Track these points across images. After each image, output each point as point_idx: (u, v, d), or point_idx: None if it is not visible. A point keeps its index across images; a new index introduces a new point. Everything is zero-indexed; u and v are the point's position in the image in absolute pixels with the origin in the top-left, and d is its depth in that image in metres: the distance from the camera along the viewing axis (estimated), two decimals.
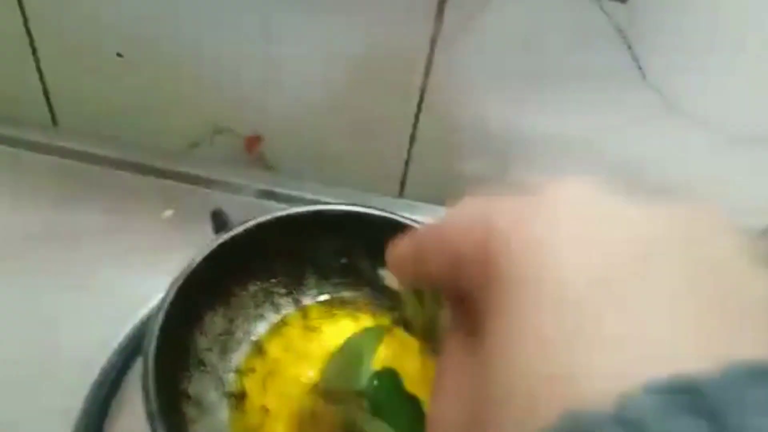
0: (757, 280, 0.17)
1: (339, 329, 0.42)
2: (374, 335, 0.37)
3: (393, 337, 0.39)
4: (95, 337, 0.45)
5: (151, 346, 0.33)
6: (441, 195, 0.61)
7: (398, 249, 0.24)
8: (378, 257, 0.42)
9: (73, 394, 0.42)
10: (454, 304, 0.23)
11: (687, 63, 0.50)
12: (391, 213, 0.42)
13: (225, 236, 0.38)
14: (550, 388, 0.15)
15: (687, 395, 0.13)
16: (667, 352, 0.15)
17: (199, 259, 0.36)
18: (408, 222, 0.42)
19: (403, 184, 0.62)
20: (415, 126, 0.56)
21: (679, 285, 0.16)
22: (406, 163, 0.60)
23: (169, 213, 0.52)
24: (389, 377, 0.38)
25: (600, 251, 0.17)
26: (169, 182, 0.55)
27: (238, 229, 0.38)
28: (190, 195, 0.54)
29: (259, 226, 0.39)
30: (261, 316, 0.41)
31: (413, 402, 0.37)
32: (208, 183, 0.54)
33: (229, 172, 0.55)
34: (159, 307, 0.34)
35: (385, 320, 0.42)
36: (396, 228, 0.41)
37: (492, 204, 0.20)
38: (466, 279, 0.20)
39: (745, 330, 0.15)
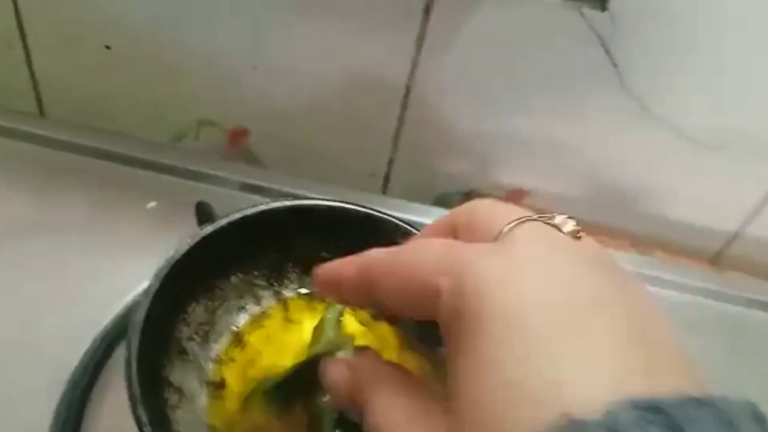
0: (671, 331, 0.22)
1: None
2: (335, 312, 0.39)
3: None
4: (78, 324, 0.45)
5: (135, 333, 0.33)
6: (423, 194, 0.62)
7: (334, 269, 0.29)
8: (356, 250, 0.43)
9: (57, 380, 0.43)
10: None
11: (663, 68, 0.51)
12: (372, 209, 0.43)
13: (210, 228, 0.38)
14: (534, 405, 0.19)
15: (659, 413, 0.18)
16: (622, 376, 0.19)
17: (184, 249, 0.37)
18: (387, 218, 0.43)
19: (386, 182, 0.63)
20: (398, 126, 0.58)
21: (621, 328, 0.21)
22: (390, 162, 0.61)
23: (153, 204, 0.52)
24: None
25: (558, 296, 0.21)
26: (153, 174, 0.55)
27: (223, 222, 0.39)
28: (175, 187, 0.54)
29: (244, 219, 0.39)
30: (242, 308, 0.42)
31: None
32: (192, 175, 0.55)
33: (213, 165, 0.56)
34: (144, 296, 0.35)
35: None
36: (376, 224, 0.43)
37: (461, 248, 0.24)
38: (430, 308, 0.23)
39: (672, 364, 0.21)
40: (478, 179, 0.62)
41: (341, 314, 0.41)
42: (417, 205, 0.59)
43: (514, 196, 0.62)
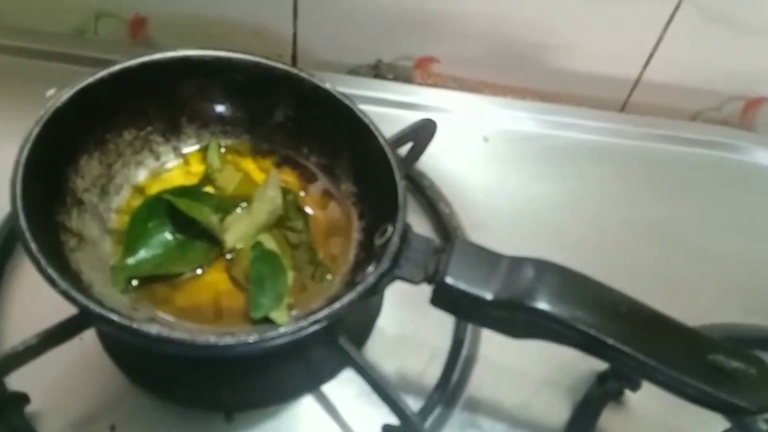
0: None
1: None
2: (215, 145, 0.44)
3: None
4: None
5: (19, 171, 0.34)
6: (333, 66, 0.62)
7: None
8: (249, 102, 0.44)
9: None
10: None
11: None
12: (260, 57, 0.43)
13: (90, 79, 0.39)
14: None
15: None
16: None
17: (65, 98, 0.38)
18: (279, 67, 0.43)
19: (294, 61, 0.63)
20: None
21: None
22: (294, 38, 0.61)
23: (52, 91, 0.52)
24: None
25: None
26: (53, 64, 0.55)
27: (103, 73, 0.39)
28: (74, 75, 0.54)
29: (125, 70, 0.40)
30: (140, 163, 0.42)
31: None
32: (91, 62, 0.54)
33: (113, 52, 0.55)
34: (25, 139, 0.35)
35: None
36: (266, 73, 0.44)
37: None
38: None
39: None
40: (385, 50, 0.62)
41: (220, 146, 0.44)
42: (332, 75, 0.59)
43: (423, 63, 0.63)
